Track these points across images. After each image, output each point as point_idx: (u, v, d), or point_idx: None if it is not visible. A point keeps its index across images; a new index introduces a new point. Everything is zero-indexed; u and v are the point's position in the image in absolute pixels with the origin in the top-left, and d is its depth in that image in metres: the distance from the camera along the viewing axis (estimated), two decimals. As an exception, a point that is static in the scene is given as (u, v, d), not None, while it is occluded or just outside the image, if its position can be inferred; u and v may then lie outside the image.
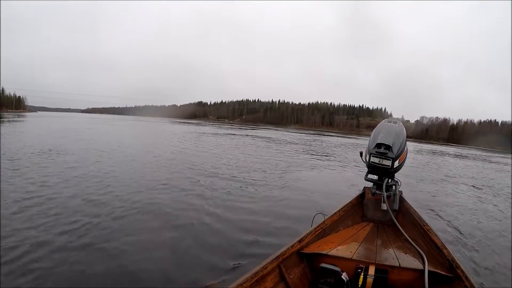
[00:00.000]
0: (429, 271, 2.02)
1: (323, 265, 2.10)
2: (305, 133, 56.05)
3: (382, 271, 2.11)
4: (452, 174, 13.29)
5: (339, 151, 20.13)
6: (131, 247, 3.36)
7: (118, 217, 4.16)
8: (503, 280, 3.32)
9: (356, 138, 52.08)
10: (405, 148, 3.23)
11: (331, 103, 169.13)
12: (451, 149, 49.34)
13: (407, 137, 3.40)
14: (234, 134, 30.22)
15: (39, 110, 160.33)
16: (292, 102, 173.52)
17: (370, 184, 3.36)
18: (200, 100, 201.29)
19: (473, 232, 4.91)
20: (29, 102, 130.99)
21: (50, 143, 11.82)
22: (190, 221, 4.22)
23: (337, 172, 10.30)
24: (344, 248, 2.40)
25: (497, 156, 39.80)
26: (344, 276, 2.03)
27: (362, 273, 2.07)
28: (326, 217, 2.75)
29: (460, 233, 4.77)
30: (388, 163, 3.05)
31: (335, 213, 2.95)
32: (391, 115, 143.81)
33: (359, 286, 2.04)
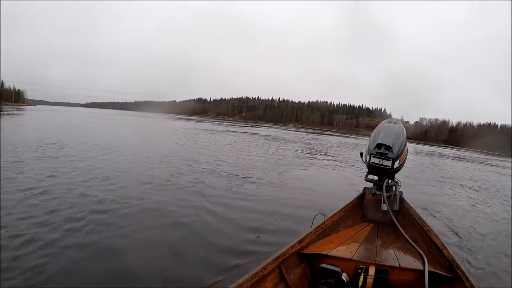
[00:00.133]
0: (429, 271, 2.03)
1: (323, 265, 2.10)
2: (305, 132, 56.02)
3: (382, 271, 2.11)
4: (450, 176, 13.30)
5: (339, 150, 20.14)
6: (129, 243, 3.35)
7: (117, 214, 4.16)
8: (502, 280, 3.34)
9: (356, 138, 52.12)
10: (405, 148, 3.23)
11: (330, 102, 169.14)
12: (449, 151, 49.39)
13: (407, 138, 3.40)
14: (234, 132, 30.22)
15: (38, 104, 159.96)
16: (292, 101, 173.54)
17: (370, 185, 3.36)
18: (199, 97, 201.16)
19: (472, 232, 4.95)
20: (28, 95, 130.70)
21: (51, 137, 11.81)
22: (190, 219, 4.22)
23: (337, 171, 10.31)
24: (344, 248, 2.39)
25: (495, 159, 39.88)
26: (344, 276, 2.03)
27: (362, 274, 2.07)
28: (326, 218, 2.75)
29: (459, 233, 4.81)
30: (388, 163, 3.04)
31: (335, 213, 2.94)
32: (390, 115, 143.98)
33: (359, 286, 2.04)
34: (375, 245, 2.55)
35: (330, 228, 2.76)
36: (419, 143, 73.15)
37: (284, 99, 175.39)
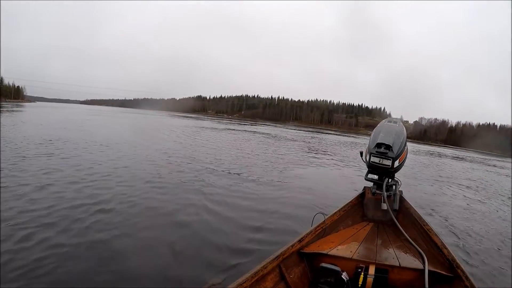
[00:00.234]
0: (429, 270, 2.02)
1: (323, 264, 2.10)
2: (304, 131, 56.01)
3: (382, 270, 2.11)
4: (449, 175, 13.34)
5: (338, 149, 20.17)
6: (128, 241, 3.36)
7: (116, 212, 4.16)
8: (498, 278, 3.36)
9: (355, 137, 52.12)
10: (405, 148, 3.22)
11: (330, 101, 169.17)
12: (449, 151, 49.48)
13: (406, 137, 3.40)
14: (234, 130, 30.18)
15: (38, 101, 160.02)
16: (291, 99, 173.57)
17: (370, 184, 3.35)
18: (199, 94, 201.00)
19: (470, 231, 4.98)
20: (28, 92, 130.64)
21: (51, 134, 11.80)
22: (189, 217, 4.22)
23: (336, 170, 10.32)
24: (344, 247, 2.39)
25: (494, 159, 39.95)
26: (344, 275, 2.02)
27: (362, 273, 2.07)
28: (326, 217, 2.74)
29: (456, 232, 4.84)
30: (388, 162, 3.04)
31: (335, 212, 2.94)
32: (390, 115, 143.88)
33: (359, 285, 2.04)
34: (375, 244, 2.54)
35: (330, 227, 2.76)
36: (418, 143, 73.37)
37: (283, 98, 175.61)
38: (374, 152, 3.06)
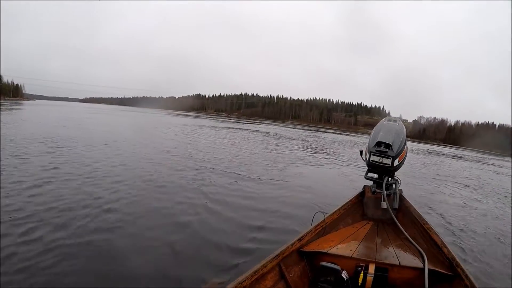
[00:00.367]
0: (429, 269, 2.02)
1: (323, 263, 2.10)
2: (303, 129, 55.98)
3: (382, 269, 2.11)
4: (448, 174, 13.36)
5: (338, 148, 20.17)
6: (128, 240, 3.36)
7: (115, 210, 4.17)
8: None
9: (354, 136, 52.13)
10: (405, 146, 3.22)
11: (329, 100, 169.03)
12: (448, 150, 49.53)
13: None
14: (233, 128, 30.18)
15: (37, 99, 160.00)
16: (290, 98, 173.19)
17: (370, 183, 3.35)
18: (198, 93, 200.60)
19: (467, 229, 5.03)
20: (27, 90, 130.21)
21: (52, 132, 11.86)
22: (189, 217, 4.23)
23: (336, 169, 10.32)
24: (344, 246, 2.39)
25: (493, 159, 40.01)
26: (344, 274, 2.02)
27: (362, 272, 2.07)
28: (326, 216, 2.74)
29: (455, 229, 4.89)
30: (388, 161, 3.04)
31: (335, 211, 2.94)
32: (389, 113, 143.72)
33: (359, 284, 2.04)
34: (375, 243, 2.54)
35: (330, 226, 2.76)
36: (417, 142, 73.40)
37: (282, 96, 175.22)
38: (374, 151, 3.06)
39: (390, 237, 2.69)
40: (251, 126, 40.19)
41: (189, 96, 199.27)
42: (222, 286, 1.71)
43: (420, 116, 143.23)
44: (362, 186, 3.45)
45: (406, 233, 2.64)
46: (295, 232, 2.47)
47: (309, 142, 22.16)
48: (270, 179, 7.10)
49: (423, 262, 2.12)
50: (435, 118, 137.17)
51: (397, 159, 3.06)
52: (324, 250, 2.28)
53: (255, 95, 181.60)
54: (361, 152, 3.41)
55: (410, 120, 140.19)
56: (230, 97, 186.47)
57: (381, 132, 3.16)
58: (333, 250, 2.29)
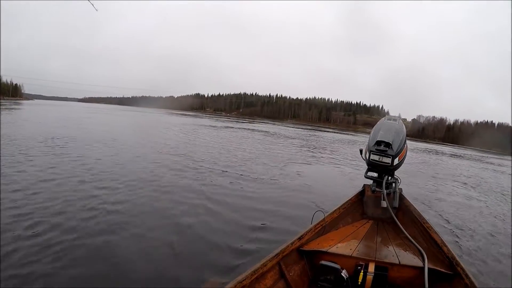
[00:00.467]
0: (429, 268, 2.02)
1: (323, 262, 2.09)
2: (302, 128, 56.00)
3: (382, 268, 2.11)
4: (446, 172, 13.39)
5: (337, 147, 20.20)
6: (127, 240, 3.35)
7: (115, 209, 4.17)
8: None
9: (353, 135, 52.18)
10: (405, 145, 3.22)
11: (328, 99, 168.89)
12: (447, 149, 49.59)
13: None
14: (232, 127, 30.18)
15: (36, 98, 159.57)
16: (289, 97, 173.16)
17: (370, 182, 3.35)
18: (197, 92, 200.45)
19: (465, 226, 5.08)
20: (26, 90, 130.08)
21: (54, 132, 11.88)
22: (189, 215, 4.23)
23: (336, 168, 10.34)
24: (344, 245, 2.39)
25: (492, 157, 40.08)
26: (344, 273, 2.02)
27: (362, 270, 2.07)
28: (326, 215, 2.74)
29: (453, 226, 4.93)
30: (388, 160, 3.04)
31: (335, 210, 2.94)
32: (388, 112, 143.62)
33: (359, 283, 2.04)
34: (374, 242, 2.54)
35: (329, 225, 2.76)
36: (416, 141, 73.46)
37: (281, 96, 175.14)
38: (374, 149, 3.06)
39: (390, 236, 2.69)
40: (250, 126, 40.19)
41: (188, 95, 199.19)
42: (221, 286, 1.70)
43: (419, 115, 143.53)
44: (362, 185, 3.44)
45: (406, 232, 2.64)
46: (295, 232, 2.45)
47: (309, 141, 22.18)
48: (270, 178, 7.10)
49: (423, 261, 2.12)
50: (434, 117, 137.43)
51: (397, 158, 3.05)
52: (324, 249, 2.27)
53: (254, 94, 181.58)
54: (361, 151, 3.41)
55: (409, 119, 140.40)
56: (229, 96, 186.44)
57: (381, 131, 3.16)
58: (333, 249, 2.28)
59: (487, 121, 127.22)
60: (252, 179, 6.84)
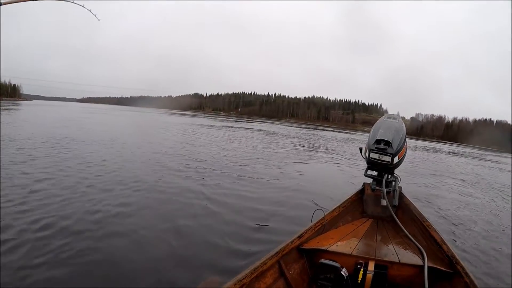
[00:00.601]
0: (428, 267, 2.02)
1: (323, 260, 2.09)
2: (301, 127, 56.00)
3: (382, 266, 2.11)
4: (445, 170, 13.43)
5: (336, 145, 20.23)
6: (127, 239, 3.35)
7: (115, 208, 4.16)
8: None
9: (352, 134, 52.24)
10: (405, 144, 3.22)
11: (327, 98, 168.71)
12: (445, 147, 49.70)
13: None
14: (231, 127, 30.18)
15: (34, 99, 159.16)
16: (288, 96, 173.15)
17: (370, 180, 3.35)
18: (196, 92, 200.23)
19: (463, 223, 5.17)
20: (24, 90, 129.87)
21: (55, 132, 11.85)
22: (190, 216, 4.22)
23: (336, 166, 10.35)
24: (344, 244, 2.39)
25: (490, 155, 40.19)
26: (343, 271, 2.02)
27: (362, 269, 2.07)
28: (325, 213, 2.73)
29: (454, 226, 4.94)
30: (387, 159, 3.03)
31: (335, 209, 2.94)
32: (386, 111, 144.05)
33: (359, 281, 2.04)
34: (374, 240, 2.54)
35: (329, 223, 2.76)
36: (415, 139, 73.55)
37: (280, 95, 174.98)
38: (374, 148, 3.06)
39: (390, 235, 2.69)
40: (249, 125, 40.18)
41: (186, 95, 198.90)
42: (219, 285, 1.69)
43: (418, 113, 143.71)
44: (362, 183, 3.44)
45: (405, 231, 2.64)
46: (295, 231, 2.45)
47: (308, 140, 22.19)
48: (270, 177, 7.10)
49: (423, 259, 2.12)
50: (432, 115, 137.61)
51: (397, 157, 3.05)
52: (324, 248, 2.27)
53: (252, 93, 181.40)
54: (360, 150, 3.41)
55: (408, 117, 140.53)
56: (227, 96, 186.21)
57: (381, 129, 3.16)
58: (333, 248, 2.28)
59: (486, 118, 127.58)
60: (252, 178, 6.83)
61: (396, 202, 3.07)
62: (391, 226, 2.89)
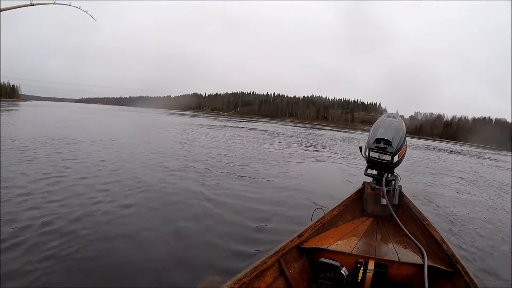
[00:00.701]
0: (428, 265, 2.01)
1: (323, 259, 2.09)
2: (300, 127, 56.08)
3: (382, 265, 2.10)
4: (444, 168, 13.44)
5: (336, 144, 20.23)
6: (127, 239, 3.35)
7: (116, 208, 4.16)
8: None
9: (351, 132, 52.30)
10: (405, 143, 3.22)
11: (326, 97, 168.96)
12: (444, 145, 49.75)
13: None
14: (230, 127, 30.19)
15: (33, 99, 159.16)
16: (287, 96, 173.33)
17: (370, 179, 3.35)
18: (195, 92, 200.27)
19: (462, 220, 5.21)
20: (23, 91, 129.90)
21: (56, 133, 11.89)
22: (189, 217, 4.21)
23: (336, 165, 10.37)
24: (344, 243, 2.38)
25: (489, 153, 40.26)
26: (343, 270, 2.02)
27: (362, 268, 2.06)
28: (325, 212, 2.73)
29: (453, 223, 4.96)
30: (387, 158, 3.03)
31: (335, 207, 2.93)
32: (385, 110, 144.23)
33: (359, 280, 2.04)
34: (374, 239, 2.54)
35: (329, 222, 2.75)
36: (414, 137, 73.66)
37: (279, 94, 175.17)
38: (374, 147, 3.06)
39: (390, 234, 2.69)
40: (248, 125, 40.19)
41: (185, 95, 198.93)
42: (219, 284, 1.69)
43: (417, 112, 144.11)
44: (362, 182, 3.44)
45: (405, 230, 2.64)
46: (295, 230, 2.45)
47: (307, 140, 22.20)
48: (270, 177, 7.09)
49: (423, 258, 2.11)
50: (431, 113, 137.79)
51: (397, 155, 3.05)
52: (324, 247, 2.27)
53: (251, 93, 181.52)
54: (360, 149, 3.41)
55: (406, 116, 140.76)
56: (226, 95, 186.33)
57: (381, 128, 3.15)
58: (333, 247, 2.28)
59: (485, 117, 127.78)
60: (251, 178, 6.82)
61: (396, 201, 3.07)
62: (391, 225, 2.89)
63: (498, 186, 9.86)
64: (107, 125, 20.26)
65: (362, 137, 34.19)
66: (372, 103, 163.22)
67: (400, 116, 3.51)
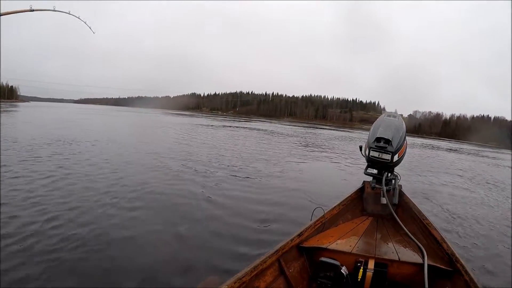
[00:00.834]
0: (428, 265, 2.01)
1: (323, 259, 2.09)
2: (299, 126, 56.11)
3: (382, 265, 2.10)
4: (443, 166, 13.47)
5: (335, 144, 20.22)
6: (127, 239, 3.35)
7: (116, 208, 4.16)
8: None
9: (350, 132, 52.32)
10: (405, 142, 3.21)
11: (324, 96, 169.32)
12: (443, 143, 49.81)
13: None
14: (229, 126, 30.17)
15: (32, 100, 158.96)
16: (285, 95, 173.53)
17: (370, 178, 3.34)
18: (193, 92, 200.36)
19: (461, 218, 5.22)
20: (22, 92, 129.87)
21: (56, 133, 11.88)
22: (190, 216, 4.21)
23: (335, 165, 10.36)
24: (344, 242, 2.38)
25: (488, 151, 40.31)
26: (343, 270, 2.02)
27: (362, 267, 2.06)
28: (325, 211, 2.73)
29: (453, 222, 4.96)
30: (387, 157, 3.02)
31: (335, 207, 2.93)
32: (384, 109, 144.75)
33: (359, 280, 2.03)
34: (374, 238, 2.54)
35: (329, 221, 2.75)
36: (413, 136, 73.76)
37: (278, 94, 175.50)
38: (374, 146, 3.05)
39: (390, 233, 2.68)
40: (247, 124, 40.19)
41: (184, 95, 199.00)
42: (218, 284, 1.69)
43: (416, 111, 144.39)
44: (362, 181, 3.44)
45: (405, 229, 2.63)
46: (295, 230, 2.45)
47: (306, 139, 22.20)
48: (269, 176, 7.09)
49: (423, 257, 2.11)
50: (430, 112, 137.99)
51: (397, 155, 3.04)
52: (324, 246, 2.27)
53: (250, 93, 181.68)
54: (360, 148, 3.40)
55: (405, 115, 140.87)
56: (225, 95, 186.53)
57: (381, 127, 3.15)
58: (333, 246, 2.28)
59: (483, 115, 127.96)
60: (251, 178, 6.82)
61: (396, 200, 3.06)
62: (391, 224, 2.89)
63: (497, 184, 9.88)
64: (107, 126, 20.23)
65: (360, 136, 34.23)
66: (371, 102, 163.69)
67: (399, 115, 3.51)
